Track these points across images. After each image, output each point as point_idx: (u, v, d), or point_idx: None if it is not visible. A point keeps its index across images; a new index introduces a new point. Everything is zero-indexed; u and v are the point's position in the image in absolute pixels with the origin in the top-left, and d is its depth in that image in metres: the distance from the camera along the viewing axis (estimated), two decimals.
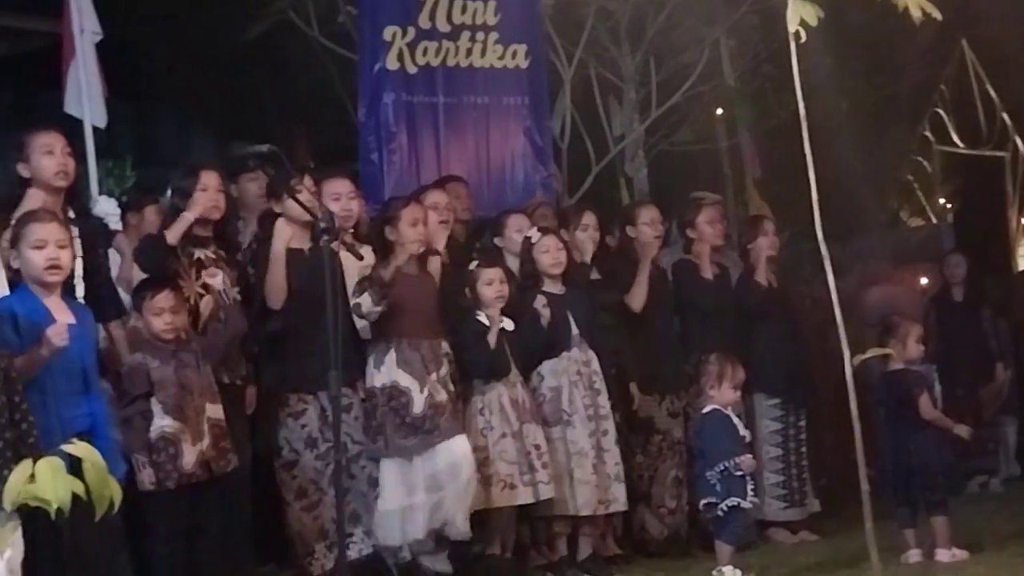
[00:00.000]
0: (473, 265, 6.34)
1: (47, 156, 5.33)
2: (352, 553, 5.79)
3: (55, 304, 4.78)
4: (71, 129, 6.19)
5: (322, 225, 4.78)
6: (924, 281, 10.19)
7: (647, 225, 7.12)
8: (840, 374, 5.04)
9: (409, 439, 5.88)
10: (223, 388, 5.58)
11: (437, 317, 6.17)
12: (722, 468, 5.93)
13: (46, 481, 2.22)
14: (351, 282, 5.94)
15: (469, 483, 5.86)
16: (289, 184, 5.73)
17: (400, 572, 6.00)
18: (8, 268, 4.83)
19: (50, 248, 4.76)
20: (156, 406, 5.31)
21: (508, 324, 6.19)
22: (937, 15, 4.76)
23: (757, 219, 8.03)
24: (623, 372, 6.76)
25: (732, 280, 7.47)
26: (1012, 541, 6.43)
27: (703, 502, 6.06)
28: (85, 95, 7.25)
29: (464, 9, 7.89)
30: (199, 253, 5.75)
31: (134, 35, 11.07)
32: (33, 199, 5.27)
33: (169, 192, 5.87)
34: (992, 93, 11.89)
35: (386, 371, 5.96)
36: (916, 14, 4.76)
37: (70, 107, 7.37)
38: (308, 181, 5.97)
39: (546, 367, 6.44)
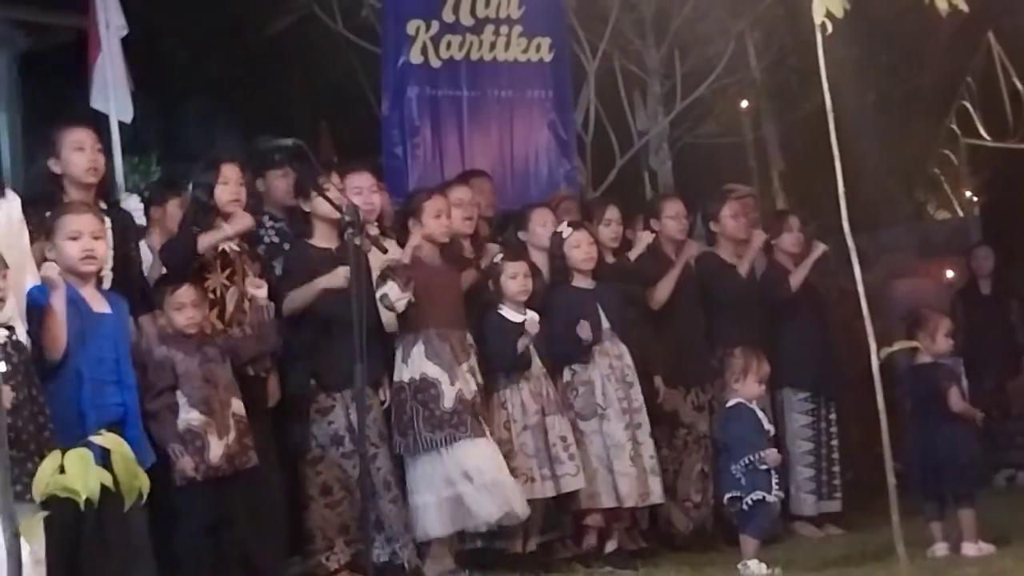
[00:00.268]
0: (497, 258, 6.34)
1: (78, 152, 5.36)
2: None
3: (90, 294, 4.83)
4: (97, 124, 6.22)
5: (347, 219, 4.78)
6: (950, 274, 10.15)
7: (672, 219, 7.10)
8: (865, 367, 5.01)
9: (436, 433, 5.88)
10: (245, 381, 5.58)
11: (462, 309, 6.17)
12: (747, 462, 5.92)
13: (76, 472, 2.23)
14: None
15: (494, 483, 5.85)
16: (316, 181, 5.73)
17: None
18: (44, 259, 4.87)
19: (85, 239, 4.85)
20: (182, 399, 5.33)
21: (532, 325, 6.15)
22: (964, 7, 4.73)
23: (782, 214, 8.01)
24: (648, 365, 6.75)
25: (757, 273, 7.45)
26: None
27: (728, 496, 6.06)
28: (111, 90, 7.28)
29: (488, 3, 7.90)
30: (224, 245, 5.75)
31: (159, 30, 11.12)
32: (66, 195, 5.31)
33: (191, 186, 5.87)
34: (1019, 85, 11.79)
35: (414, 364, 5.95)
36: (943, 6, 4.71)
37: (96, 102, 7.40)
38: (335, 177, 5.97)
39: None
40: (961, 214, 12.84)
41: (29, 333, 4.55)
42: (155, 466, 5.17)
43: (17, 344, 4.37)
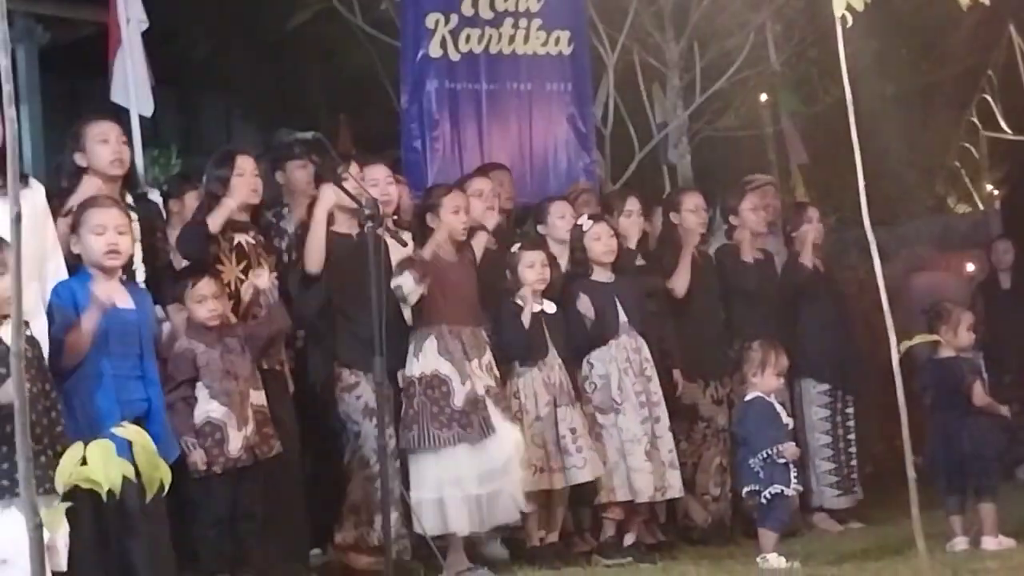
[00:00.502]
0: (515, 248, 6.34)
1: (102, 145, 5.39)
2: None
3: (114, 288, 4.85)
4: (117, 118, 6.24)
5: (367, 212, 4.79)
6: (971, 268, 10.11)
7: (691, 212, 7.10)
8: (885, 360, 5.00)
9: (444, 431, 5.84)
10: (263, 374, 5.59)
11: (478, 304, 6.18)
12: (765, 455, 5.92)
13: (98, 463, 2.25)
14: None
15: (516, 476, 5.86)
16: (335, 172, 5.74)
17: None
18: (70, 251, 4.90)
19: (110, 233, 4.86)
20: (202, 391, 5.35)
21: (549, 307, 6.18)
22: (986, 0, 4.71)
23: (802, 206, 7.99)
24: (667, 359, 6.75)
25: (776, 266, 7.44)
26: None
27: (746, 489, 6.05)
28: (131, 84, 7.30)
29: None
30: (239, 238, 5.75)
31: (179, 24, 11.15)
32: (88, 187, 5.34)
33: (205, 179, 5.89)
34: None
35: (425, 359, 5.93)
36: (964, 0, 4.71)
37: (116, 96, 7.43)
38: (354, 168, 5.98)
39: (595, 355, 6.44)
40: (981, 208, 12.78)
41: (50, 331, 4.59)
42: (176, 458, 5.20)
43: (30, 339, 4.38)
